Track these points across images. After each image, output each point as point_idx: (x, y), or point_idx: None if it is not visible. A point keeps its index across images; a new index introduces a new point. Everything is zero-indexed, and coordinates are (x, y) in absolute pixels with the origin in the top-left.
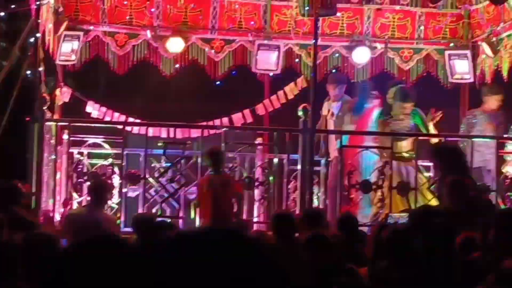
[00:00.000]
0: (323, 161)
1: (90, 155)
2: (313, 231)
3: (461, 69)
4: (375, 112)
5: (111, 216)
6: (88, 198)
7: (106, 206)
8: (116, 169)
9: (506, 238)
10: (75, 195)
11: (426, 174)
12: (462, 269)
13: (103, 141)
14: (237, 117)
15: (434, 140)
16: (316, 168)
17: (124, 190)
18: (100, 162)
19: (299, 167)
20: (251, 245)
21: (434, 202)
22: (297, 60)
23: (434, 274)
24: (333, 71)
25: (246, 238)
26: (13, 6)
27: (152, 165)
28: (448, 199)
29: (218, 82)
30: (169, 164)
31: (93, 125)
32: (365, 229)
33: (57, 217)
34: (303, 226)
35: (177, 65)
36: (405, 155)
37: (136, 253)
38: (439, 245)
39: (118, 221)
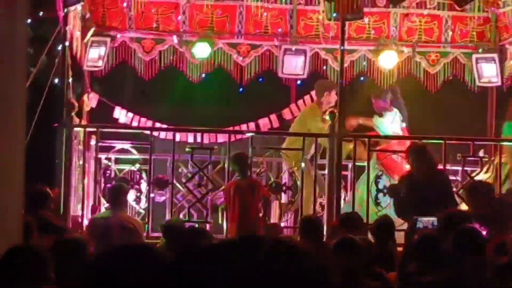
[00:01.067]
0: (350, 165)
1: (117, 161)
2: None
3: (488, 72)
4: None
5: (133, 218)
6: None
7: (126, 207)
8: (143, 175)
9: None
10: (103, 200)
11: (453, 178)
12: (493, 273)
13: (131, 147)
14: (263, 122)
15: None
16: (344, 173)
17: (151, 195)
18: (128, 167)
19: (326, 171)
20: (291, 251)
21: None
22: (324, 67)
23: (465, 278)
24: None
25: (284, 244)
26: (41, 13)
27: (179, 170)
28: (470, 204)
29: (241, 89)
30: (196, 169)
31: (120, 130)
32: None
33: (86, 222)
34: (340, 230)
35: (203, 72)
36: None
37: (168, 264)
38: (469, 249)
39: (146, 227)
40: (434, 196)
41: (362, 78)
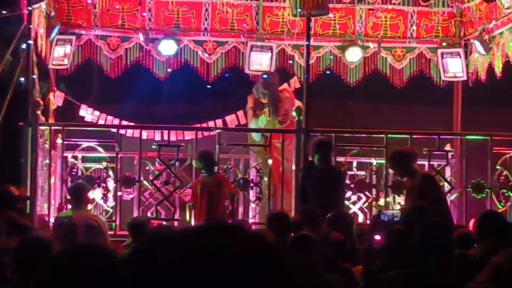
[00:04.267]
0: None
1: (84, 159)
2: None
3: (453, 67)
4: None
5: (97, 216)
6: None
7: (89, 205)
8: (110, 173)
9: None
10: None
11: None
12: (458, 265)
13: (97, 145)
14: (230, 119)
15: None
16: None
17: (119, 193)
18: (95, 165)
19: (293, 167)
20: (258, 242)
21: None
22: (290, 61)
23: (431, 273)
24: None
25: (252, 234)
26: (5, 12)
27: (147, 168)
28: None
29: (209, 86)
30: (163, 167)
31: (86, 128)
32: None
33: (52, 221)
34: (301, 225)
35: (169, 70)
36: None
37: (122, 263)
38: (437, 243)
39: (113, 225)
40: (325, 192)
41: (328, 72)
